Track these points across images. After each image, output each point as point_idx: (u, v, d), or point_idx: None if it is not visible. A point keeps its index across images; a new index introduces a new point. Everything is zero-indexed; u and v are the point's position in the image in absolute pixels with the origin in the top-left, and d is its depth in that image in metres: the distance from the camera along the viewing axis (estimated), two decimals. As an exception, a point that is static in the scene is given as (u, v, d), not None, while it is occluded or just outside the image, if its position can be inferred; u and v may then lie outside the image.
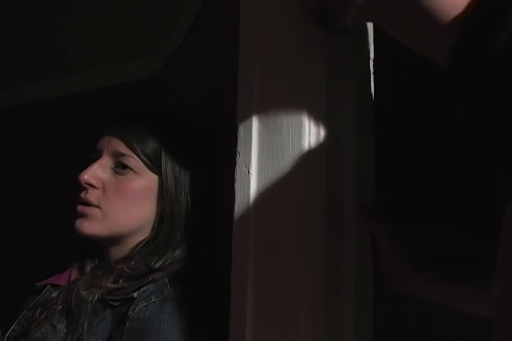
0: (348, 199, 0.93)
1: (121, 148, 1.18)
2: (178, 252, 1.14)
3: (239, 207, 0.96)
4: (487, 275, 0.86)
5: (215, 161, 1.24)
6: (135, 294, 1.08)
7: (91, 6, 1.62)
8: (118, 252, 1.19)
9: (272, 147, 0.95)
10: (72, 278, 1.21)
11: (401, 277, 0.97)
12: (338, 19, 0.85)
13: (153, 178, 1.18)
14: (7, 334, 1.18)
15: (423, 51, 0.74)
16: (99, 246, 1.22)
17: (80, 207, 1.17)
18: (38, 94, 1.71)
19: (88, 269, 1.21)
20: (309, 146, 0.92)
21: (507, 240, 0.58)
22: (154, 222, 1.19)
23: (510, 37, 0.54)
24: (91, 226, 1.16)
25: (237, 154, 0.97)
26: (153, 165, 1.18)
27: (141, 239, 1.19)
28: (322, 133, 0.93)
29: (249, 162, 0.96)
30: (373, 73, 0.98)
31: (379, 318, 1.00)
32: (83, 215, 1.17)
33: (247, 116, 0.97)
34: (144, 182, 1.18)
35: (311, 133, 0.93)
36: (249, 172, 0.96)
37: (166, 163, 1.18)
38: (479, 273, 0.91)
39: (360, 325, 0.92)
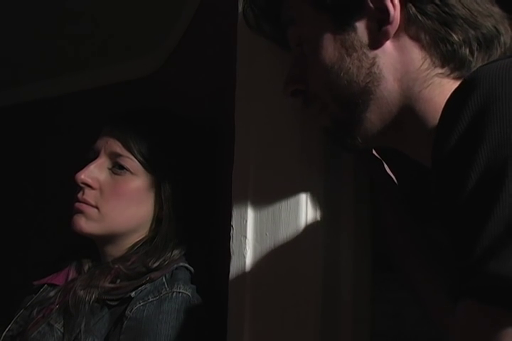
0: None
1: (118, 148, 1.17)
2: (176, 252, 1.14)
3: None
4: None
5: (212, 161, 1.24)
6: (132, 294, 1.08)
7: (90, 5, 1.62)
8: (115, 252, 1.19)
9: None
10: (70, 277, 1.21)
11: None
12: (351, 137, 0.86)
13: (150, 179, 1.18)
14: (4, 334, 1.18)
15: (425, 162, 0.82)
16: (96, 246, 1.22)
17: (77, 204, 1.17)
18: (36, 93, 1.71)
19: (86, 269, 1.21)
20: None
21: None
22: (152, 223, 1.18)
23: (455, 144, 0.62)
24: (88, 224, 1.16)
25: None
26: (150, 165, 1.17)
27: (138, 239, 1.18)
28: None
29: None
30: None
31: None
32: (80, 212, 1.17)
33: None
34: (141, 182, 1.17)
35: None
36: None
37: (163, 164, 1.18)
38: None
39: None
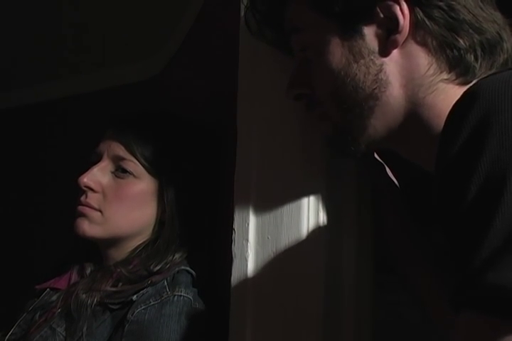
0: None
1: (121, 152, 1.17)
2: (177, 256, 1.14)
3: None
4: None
5: (215, 165, 1.24)
6: (134, 297, 1.08)
7: (91, 7, 1.62)
8: (117, 255, 1.19)
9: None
10: (72, 281, 1.21)
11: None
12: (354, 143, 0.86)
13: (153, 182, 1.18)
14: (7, 337, 1.18)
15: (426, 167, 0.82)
16: (98, 249, 1.22)
17: (80, 207, 1.17)
18: (38, 96, 1.71)
19: (88, 272, 1.21)
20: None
21: None
22: (154, 226, 1.18)
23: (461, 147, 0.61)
24: (91, 228, 1.16)
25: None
26: (153, 169, 1.17)
27: (140, 242, 1.18)
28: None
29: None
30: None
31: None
32: (83, 215, 1.17)
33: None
34: (144, 186, 1.17)
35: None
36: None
37: (166, 167, 1.18)
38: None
39: None
